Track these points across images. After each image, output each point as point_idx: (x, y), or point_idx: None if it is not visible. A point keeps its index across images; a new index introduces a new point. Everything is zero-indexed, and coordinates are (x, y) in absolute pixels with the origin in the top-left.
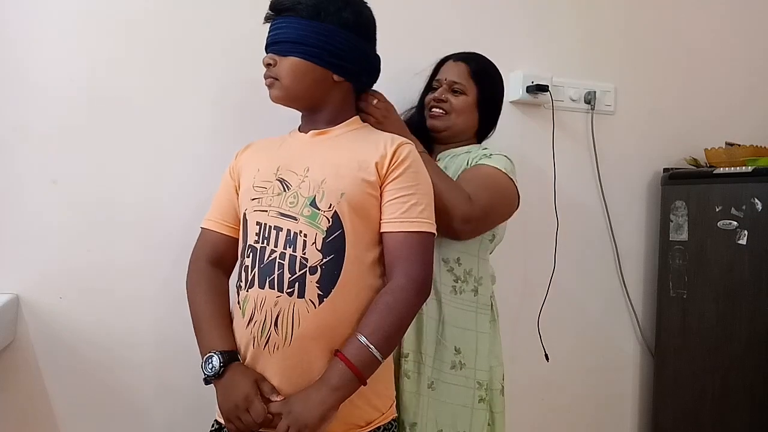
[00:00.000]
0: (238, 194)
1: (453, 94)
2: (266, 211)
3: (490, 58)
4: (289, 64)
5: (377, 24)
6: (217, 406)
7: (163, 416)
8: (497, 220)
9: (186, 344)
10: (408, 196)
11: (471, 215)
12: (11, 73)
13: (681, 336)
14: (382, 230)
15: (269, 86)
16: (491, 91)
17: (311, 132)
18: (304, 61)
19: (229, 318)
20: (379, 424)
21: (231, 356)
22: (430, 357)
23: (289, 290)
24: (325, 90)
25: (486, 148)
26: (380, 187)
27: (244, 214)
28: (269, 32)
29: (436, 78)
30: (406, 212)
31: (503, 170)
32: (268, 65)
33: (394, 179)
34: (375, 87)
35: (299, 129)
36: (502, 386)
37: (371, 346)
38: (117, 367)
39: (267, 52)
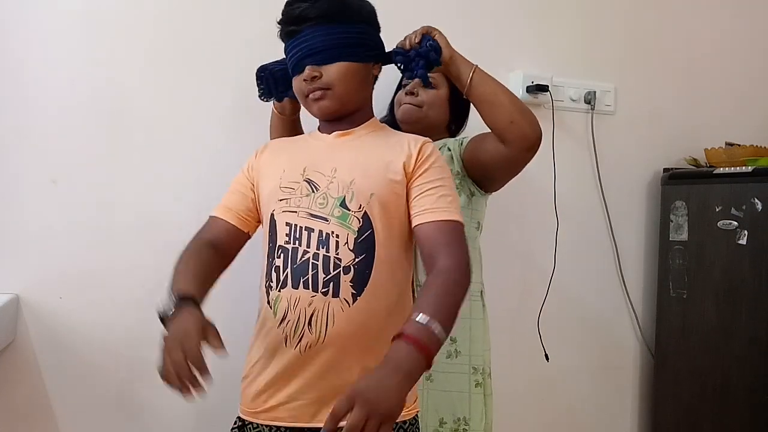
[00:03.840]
0: (254, 192)
1: (423, 88)
2: (295, 212)
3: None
4: (338, 69)
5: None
6: (239, 405)
7: (162, 416)
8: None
9: None
10: (436, 188)
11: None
12: (11, 73)
13: (681, 336)
14: (415, 224)
15: (319, 99)
16: None
17: (335, 133)
18: (352, 63)
19: (207, 275)
20: (405, 418)
21: (189, 300)
22: None
23: (324, 290)
24: (367, 87)
25: (465, 137)
26: (407, 185)
27: (272, 214)
28: (297, 46)
29: None
30: (437, 202)
31: None
32: (313, 78)
33: (420, 175)
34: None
35: (320, 130)
36: (490, 369)
37: (435, 325)
38: (117, 366)
39: (297, 69)
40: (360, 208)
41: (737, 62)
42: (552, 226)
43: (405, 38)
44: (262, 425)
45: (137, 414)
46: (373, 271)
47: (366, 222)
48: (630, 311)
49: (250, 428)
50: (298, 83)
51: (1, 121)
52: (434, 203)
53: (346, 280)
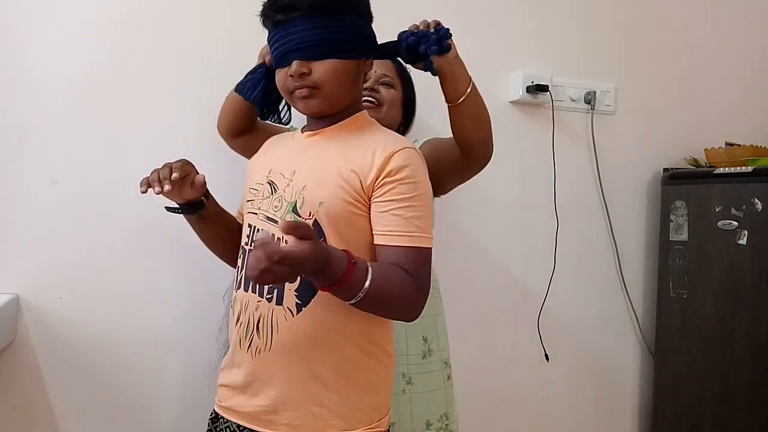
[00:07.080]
0: None
1: (383, 86)
2: (256, 213)
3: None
4: (328, 67)
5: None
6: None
7: (162, 415)
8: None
9: (185, 343)
10: (405, 208)
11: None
12: (11, 73)
13: (681, 336)
14: (379, 242)
15: (306, 97)
16: (412, 90)
17: (307, 132)
18: (343, 61)
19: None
20: (380, 428)
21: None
22: (402, 355)
23: (268, 296)
24: (358, 85)
25: (417, 139)
26: (368, 199)
27: (244, 215)
28: (284, 37)
29: None
30: (405, 226)
31: None
32: (301, 75)
33: (386, 192)
34: None
35: (302, 128)
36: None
37: (369, 283)
38: (117, 366)
39: (283, 63)
40: (310, 215)
41: (737, 62)
42: (552, 226)
43: (414, 24)
44: (231, 421)
45: (137, 414)
46: None
47: (317, 230)
48: (630, 311)
49: (221, 422)
50: (282, 77)
51: (1, 121)
52: (402, 226)
53: (290, 289)
